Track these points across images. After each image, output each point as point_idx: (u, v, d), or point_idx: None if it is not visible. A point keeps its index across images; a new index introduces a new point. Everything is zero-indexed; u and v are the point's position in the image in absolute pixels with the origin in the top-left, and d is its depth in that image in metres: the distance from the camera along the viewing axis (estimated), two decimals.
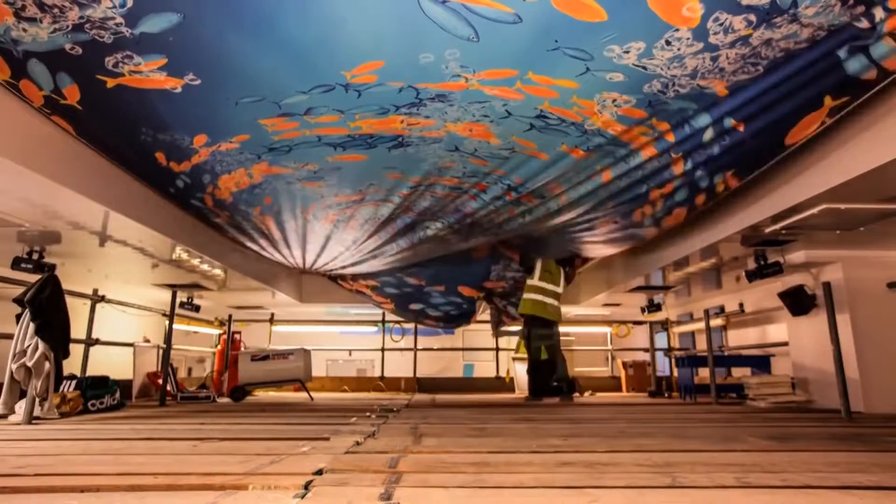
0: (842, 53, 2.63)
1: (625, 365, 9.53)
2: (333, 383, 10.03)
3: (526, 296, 6.95)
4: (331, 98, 3.18)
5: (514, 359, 9.69)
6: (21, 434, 3.26)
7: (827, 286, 4.72)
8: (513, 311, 8.55)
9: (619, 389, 9.53)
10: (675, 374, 8.81)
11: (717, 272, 6.58)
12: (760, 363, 6.68)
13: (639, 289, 7.73)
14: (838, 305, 4.76)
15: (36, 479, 1.80)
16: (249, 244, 5.94)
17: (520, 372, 9.13)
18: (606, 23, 2.47)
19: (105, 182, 3.88)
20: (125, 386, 6.70)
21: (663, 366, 9.81)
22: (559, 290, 6.96)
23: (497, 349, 10.40)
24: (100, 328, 6.48)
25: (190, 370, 9.43)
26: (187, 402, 6.80)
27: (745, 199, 4.39)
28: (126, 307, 7.16)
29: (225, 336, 8.64)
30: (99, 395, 5.27)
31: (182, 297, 7.57)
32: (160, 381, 6.65)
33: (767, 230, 4.53)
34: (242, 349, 8.85)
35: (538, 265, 6.90)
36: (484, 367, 11.93)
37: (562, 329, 7.42)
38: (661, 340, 9.77)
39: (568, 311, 9.38)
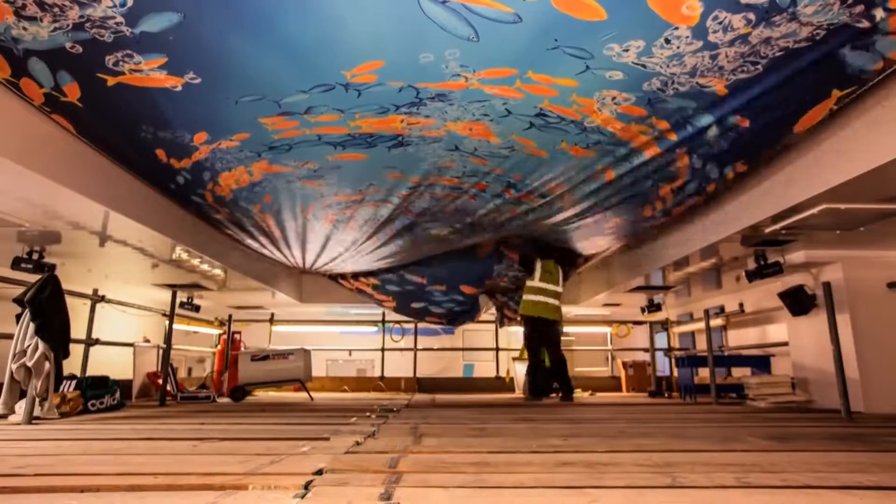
0: (845, 51, 2.63)
1: (625, 365, 9.53)
2: (333, 383, 10.03)
3: (526, 297, 6.95)
4: (331, 97, 3.18)
5: (514, 359, 9.69)
6: (21, 434, 3.26)
7: (827, 286, 4.71)
8: (514, 307, 8.55)
9: (619, 389, 9.53)
10: (675, 374, 8.81)
11: (717, 272, 6.57)
12: (760, 363, 6.68)
13: (639, 289, 7.73)
14: (838, 305, 4.76)
15: (36, 479, 1.80)
16: (249, 241, 5.94)
17: (520, 372, 9.12)
18: (606, 21, 2.47)
19: (105, 182, 3.88)
20: (125, 386, 6.70)
21: (663, 366, 9.81)
22: (559, 289, 6.96)
23: (497, 349, 10.40)
24: (100, 328, 6.48)
25: (190, 370, 9.43)
26: (187, 402, 6.80)
27: (745, 199, 4.39)
28: (126, 307, 7.16)
29: (225, 336, 8.64)
30: (99, 395, 5.27)
31: (182, 297, 7.57)
32: (160, 381, 6.65)
33: (767, 230, 4.53)
34: (242, 349, 8.85)
35: (538, 266, 6.90)
36: (484, 367, 11.94)
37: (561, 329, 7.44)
38: (661, 340, 9.77)
39: (568, 311, 9.38)
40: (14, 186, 3.47)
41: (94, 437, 3.09)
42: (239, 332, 9.12)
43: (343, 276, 8.22)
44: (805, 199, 3.74)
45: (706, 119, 3.33)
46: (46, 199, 3.73)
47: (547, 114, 3.40)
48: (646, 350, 9.29)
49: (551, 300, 6.87)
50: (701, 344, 8.04)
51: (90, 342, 6.31)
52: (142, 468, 1.98)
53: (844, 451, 2.51)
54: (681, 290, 7.96)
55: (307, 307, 9.39)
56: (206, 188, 4.41)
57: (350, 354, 12.41)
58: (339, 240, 6.03)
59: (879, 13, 2.38)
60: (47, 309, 4.14)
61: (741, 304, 7.46)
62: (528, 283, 6.97)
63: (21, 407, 4.00)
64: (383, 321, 10.29)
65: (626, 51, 2.69)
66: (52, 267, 4.93)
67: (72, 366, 5.69)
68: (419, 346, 10.31)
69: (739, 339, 7.68)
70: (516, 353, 9.99)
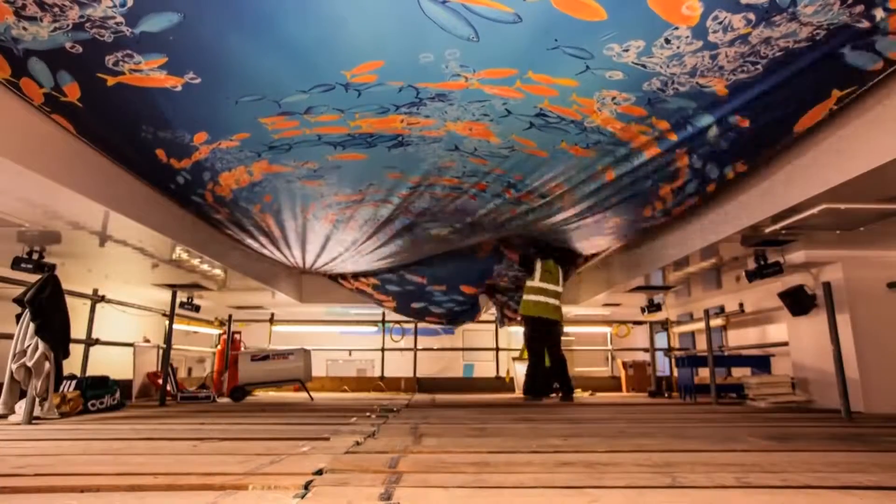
0: (845, 51, 2.63)
1: (625, 365, 9.53)
2: (333, 383, 10.03)
3: (526, 297, 6.96)
4: (331, 97, 3.18)
5: (514, 359, 9.69)
6: (21, 434, 3.26)
7: (827, 286, 4.71)
8: (514, 306, 8.55)
9: (619, 389, 9.53)
10: (675, 374, 8.81)
11: (717, 272, 6.57)
12: (760, 363, 6.68)
13: (639, 289, 7.72)
14: (838, 305, 4.76)
15: (36, 479, 1.80)
16: (249, 241, 5.94)
17: (520, 372, 9.12)
18: (606, 21, 2.47)
19: (105, 181, 3.88)
20: (125, 386, 6.70)
21: (663, 366, 9.80)
22: (560, 289, 6.96)
23: (497, 349, 10.41)
24: (100, 328, 6.48)
25: (190, 370, 9.43)
26: (187, 402, 6.80)
27: (745, 199, 4.39)
28: (126, 307, 7.16)
29: (225, 336, 8.64)
30: (99, 395, 5.27)
31: (182, 297, 7.57)
32: (160, 381, 6.65)
33: (767, 230, 4.53)
34: (242, 349, 8.85)
35: (538, 266, 6.90)
36: (484, 367, 11.93)
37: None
38: (661, 340, 9.76)
39: (568, 311, 9.38)
40: (14, 186, 3.47)
41: (94, 437, 3.09)
42: (239, 332, 9.12)
43: (343, 276, 8.22)
44: (805, 199, 3.74)
45: (706, 119, 3.33)
46: (46, 199, 3.73)
47: (547, 114, 3.40)
48: (646, 350, 9.29)
49: (552, 300, 6.87)
50: (701, 344, 8.04)
51: (90, 342, 6.31)
52: (142, 468, 1.98)
53: (844, 451, 2.51)
54: (681, 290, 7.96)
55: (307, 307, 9.39)
56: (206, 188, 4.41)
57: (350, 354, 12.41)
58: (339, 240, 6.03)
59: (879, 13, 2.38)
60: (47, 309, 4.14)
61: (741, 304, 7.46)
62: (529, 283, 6.97)
63: (21, 407, 4.00)
64: (383, 321, 10.29)
65: (626, 51, 2.69)
66: (52, 267, 4.93)
67: (72, 366, 5.69)
68: (419, 346, 10.30)
69: (739, 339, 7.68)
70: (516, 353, 9.99)
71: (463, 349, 12.63)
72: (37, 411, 4.06)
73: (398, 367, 10.34)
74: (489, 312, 9.50)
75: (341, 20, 2.53)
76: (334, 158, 4.07)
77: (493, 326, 10.36)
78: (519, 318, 7.74)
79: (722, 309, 7.93)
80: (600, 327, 11.26)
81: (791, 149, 3.73)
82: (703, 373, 7.16)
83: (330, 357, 12.75)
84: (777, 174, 3.97)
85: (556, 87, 3.08)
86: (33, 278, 4.44)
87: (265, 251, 6.40)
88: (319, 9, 2.46)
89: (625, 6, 2.39)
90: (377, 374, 10.49)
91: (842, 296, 5.09)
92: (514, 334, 11.14)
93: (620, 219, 5.38)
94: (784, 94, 3.00)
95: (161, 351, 7.39)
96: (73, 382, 5.19)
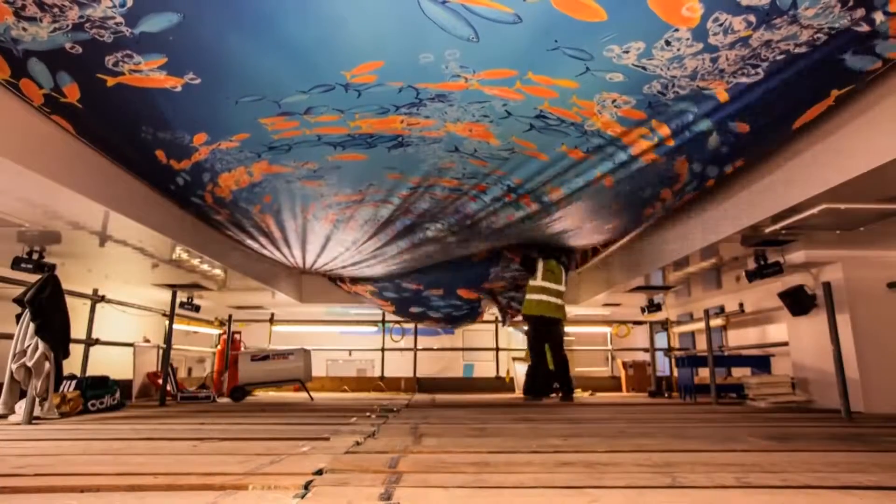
0: (846, 56, 2.63)
1: (625, 365, 9.53)
2: (333, 383, 10.03)
3: (529, 296, 6.97)
4: (331, 98, 3.18)
5: (514, 359, 9.69)
6: (21, 434, 3.26)
7: (827, 286, 4.72)
8: (517, 306, 8.56)
9: (619, 389, 9.54)
10: (675, 374, 8.81)
11: (717, 272, 6.57)
12: (760, 363, 6.68)
13: (639, 289, 7.72)
14: (838, 305, 4.76)
15: (36, 479, 1.80)
16: (249, 242, 5.95)
17: (520, 372, 9.13)
18: (606, 23, 2.47)
19: (105, 182, 3.88)
20: (125, 386, 6.70)
21: (663, 366, 9.80)
22: (562, 288, 6.97)
23: (497, 349, 10.41)
24: (100, 328, 6.48)
25: (190, 370, 9.43)
26: (187, 402, 6.81)
27: (745, 199, 4.39)
28: (126, 307, 7.16)
29: (225, 336, 8.64)
30: (99, 395, 5.27)
31: (182, 297, 7.57)
32: (160, 381, 6.65)
33: (767, 230, 4.53)
34: (242, 349, 8.85)
35: (540, 265, 6.91)
36: (484, 367, 11.93)
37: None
38: (661, 340, 9.76)
39: (568, 310, 9.38)
40: (14, 186, 3.47)
41: (94, 437, 3.09)
42: (239, 332, 9.12)
43: (342, 279, 8.23)
44: (805, 199, 3.74)
45: (707, 124, 3.32)
46: (46, 199, 3.73)
47: (547, 116, 3.40)
48: (646, 350, 9.30)
49: (554, 299, 6.89)
50: (701, 344, 8.04)
51: (90, 342, 6.31)
52: (142, 468, 1.98)
53: (844, 451, 2.51)
54: (681, 290, 7.96)
55: (307, 307, 9.39)
56: (206, 189, 4.40)
57: (350, 354, 12.41)
58: (340, 240, 6.03)
59: (879, 16, 2.38)
60: (47, 309, 4.15)
61: (741, 304, 7.46)
62: (531, 282, 6.98)
63: (21, 407, 4.01)
64: (383, 321, 10.29)
65: (627, 52, 2.69)
66: (52, 267, 4.93)
67: (72, 366, 5.69)
68: (419, 346, 10.31)
69: (739, 339, 7.68)
70: (516, 353, 10.00)
71: (463, 349, 12.63)
72: (37, 411, 4.06)
73: (398, 367, 10.35)
74: (490, 312, 9.51)
75: (341, 20, 2.53)
76: (334, 159, 4.07)
77: (493, 326, 10.37)
78: (521, 318, 7.74)
79: (722, 309, 7.93)
80: (600, 327, 11.26)
81: (791, 148, 3.73)
82: (703, 373, 7.17)
83: (330, 357, 12.76)
84: (777, 174, 3.97)
85: (556, 88, 3.07)
86: (33, 278, 4.44)
87: (265, 251, 6.40)
88: (319, 9, 2.46)
89: (625, 7, 2.39)
90: (377, 374, 10.50)
91: (842, 296, 5.09)
92: (514, 334, 11.14)
93: (620, 220, 5.40)
94: (784, 97, 3.01)
95: (161, 351, 7.39)
96: (73, 382, 5.19)
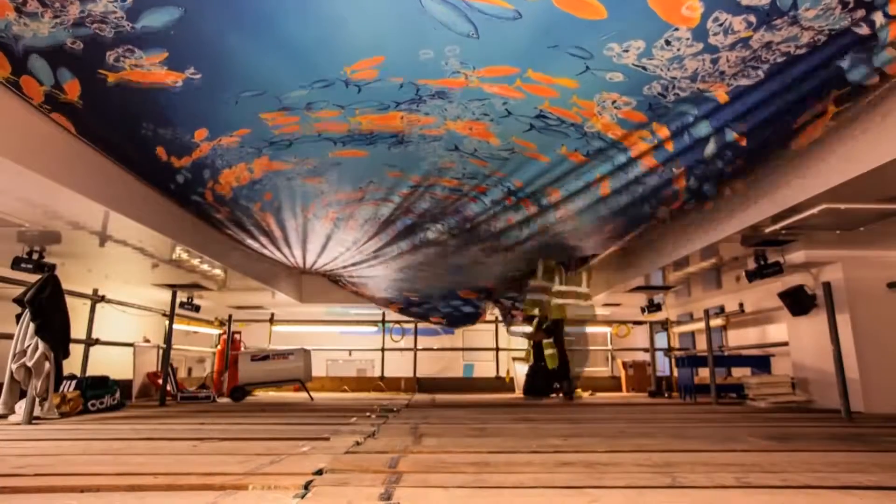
0: (844, 64, 2.63)
1: (625, 365, 9.53)
2: (333, 383, 10.03)
3: (529, 296, 7.01)
4: (331, 93, 3.18)
5: (514, 359, 9.69)
6: (21, 434, 3.26)
7: (827, 286, 4.71)
8: (520, 307, 8.61)
9: (619, 389, 9.53)
10: (675, 374, 8.81)
11: (717, 272, 6.57)
12: (760, 363, 6.68)
13: (639, 289, 7.72)
14: (838, 305, 4.75)
15: (36, 479, 1.80)
16: (250, 241, 5.95)
17: (520, 372, 9.13)
18: (606, 20, 2.47)
19: (105, 182, 3.88)
20: (125, 386, 6.70)
21: (663, 366, 9.80)
22: (562, 287, 6.99)
23: (497, 349, 10.40)
24: (100, 328, 6.48)
25: (190, 370, 9.43)
26: (187, 402, 6.80)
27: (745, 199, 4.39)
28: (126, 307, 7.16)
29: (225, 336, 8.64)
30: (99, 395, 5.27)
31: (182, 297, 7.57)
32: (160, 381, 6.65)
33: (767, 230, 4.53)
34: (242, 349, 8.85)
35: (539, 266, 6.95)
36: (484, 367, 11.93)
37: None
38: (661, 340, 9.76)
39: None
40: (14, 186, 3.47)
41: (94, 437, 3.09)
42: (239, 332, 9.12)
43: (344, 281, 8.27)
44: (805, 199, 3.74)
45: (706, 130, 3.32)
46: (46, 199, 3.73)
47: (547, 115, 3.40)
48: (646, 350, 9.29)
49: (558, 299, 6.93)
50: (701, 344, 8.04)
51: (90, 342, 6.31)
52: (142, 468, 1.98)
53: (844, 451, 2.51)
54: (681, 290, 7.96)
55: (307, 307, 9.39)
56: (207, 186, 4.40)
57: (350, 354, 12.40)
58: (340, 239, 6.03)
59: (879, 18, 2.38)
60: (47, 309, 4.14)
61: (741, 304, 7.46)
62: (531, 282, 7.03)
63: (21, 407, 4.00)
64: (383, 321, 10.29)
65: (627, 51, 2.69)
66: (52, 267, 4.93)
67: (72, 366, 5.69)
68: (419, 346, 10.31)
69: (739, 339, 7.68)
70: (516, 354, 9.99)
71: (463, 349, 12.62)
72: (37, 411, 4.06)
73: (398, 367, 10.34)
74: (491, 312, 9.52)
75: (342, 15, 2.53)
76: (335, 155, 4.06)
77: (493, 326, 10.36)
78: (523, 318, 7.78)
79: (722, 309, 7.93)
80: (600, 327, 11.25)
81: (791, 149, 3.73)
82: (703, 373, 7.16)
83: (330, 357, 12.75)
84: (777, 174, 3.98)
85: (557, 87, 3.07)
86: (33, 278, 4.44)
87: (265, 251, 6.41)
88: (320, 4, 2.46)
89: (625, 5, 2.39)
90: (377, 374, 10.50)
91: (842, 296, 5.09)
92: (514, 334, 11.15)
93: (618, 236, 5.45)
94: (784, 106, 3.00)
95: (161, 351, 7.39)
96: (73, 382, 5.19)
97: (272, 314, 10.26)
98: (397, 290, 8.16)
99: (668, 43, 2.60)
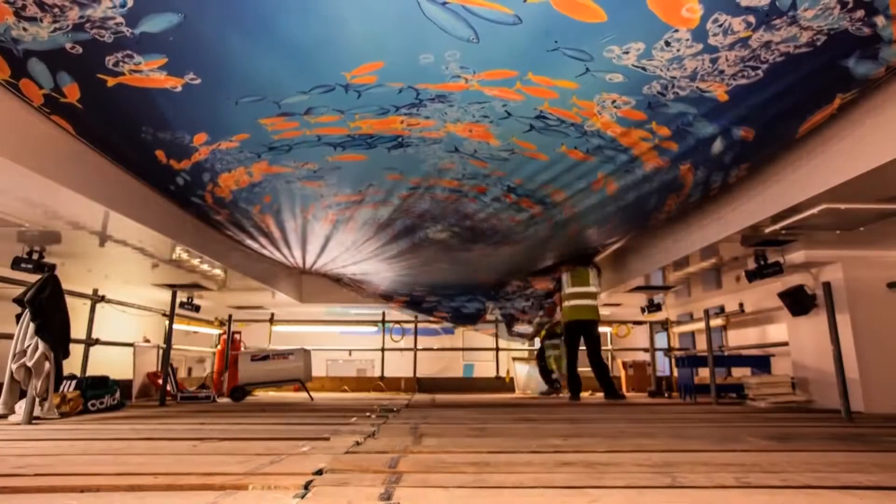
0: (849, 62, 2.63)
1: (625, 365, 9.53)
2: (333, 383, 10.03)
3: (564, 304, 7.17)
4: (331, 98, 3.18)
5: (514, 359, 9.70)
6: (21, 434, 3.26)
7: (827, 286, 4.71)
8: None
9: (619, 389, 9.52)
10: (675, 374, 8.81)
11: (717, 272, 6.58)
12: (760, 363, 6.68)
13: (639, 289, 7.73)
14: (838, 305, 4.75)
15: (36, 479, 1.80)
16: (249, 242, 5.95)
17: (520, 372, 9.14)
18: (606, 23, 2.47)
19: (105, 182, 3.89)
20: (125, 386, 6.70)
21: (663, 366, 9.80)
22: (592, 289, 7.09)
23: (497, 349, 10.40)
24: (100, 328, 6.48)
25: (190, 370, 9.44)
26: (187, 402, 6.80)
27: (746, 199, 4.40)
28: (126, 307, 7.16)
29: (225, 336, 8.64)
30: (99, 395, 5.27)
31: (182, 297, 7.57)
32: (160, 381, 6.65)
33: (767, 230, 4.53)
34: (242, 349, 8.85)
35: (565, 277, 7.07)
36: (484, 367, 11.93)
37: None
38: (661, 340, 9.76)
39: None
40: (14, 186, 3.47)
41: (94, 437, 3.09)
42: (239, 332, 9.12)
43: (346, 280, 8.29)
44: (805, 199, 3.74)
45: (708, 128, 3.32)
46: (46, 199, 3.73)
47: (547, 116, 3.40)
48: (646, 350, 9.29)
49: (584, 301, 7.05)
50: (701, 344, 8.04)
51: (90, 342, 6.31)
52: (142, 468, 1.98)
53: (844, 451, 2.51)
54: (681, 290, 7.96)
55: (307, 307, 9.39)
56: (206, 189, 4.41)
57: (350, 354, 12.41)
58: (340, 241, 6.03)
59: (881, 20, 2.38)
60: (47, 309, 4.14)
61: (741, 304, 7.46)
62: (564, 292, 7.17)
63: (21, 407, 4.00)
64: (383, 321, 10.29)
65: (626, 53, 2.69)
66: (52, 267, 4.93)
67: (72, 366, 5.69)
68: (419, 346, 10.31)
69: (739, 339, 7.68)
70: (517, 354, 10.00)
71: (463, 349, 12.63)
72: (37, 411, 4.06)
73: (398, 367, 10.35)
74: (492, 312, 9.53)
75: (342, 21, 2.53)
76: (334, 159, 4.07)
77: (492, 327, 10.36)
78: (560, 330, 7.86)
79: (722, 309, 7.93)
80: (600, 327, 11.24)
81: (792, 149, 3.74)
82: (703, 373, 7.16)
83: (330, 357, 12.75)
84: (777, 174, 3.98)
85: (556, 89, 3.07)
86: (33, 278, 4.44)
87: (265, 252, 6.41)
88: (319, 10, 2.46)
89: (625, 8, 2.39)
90: (377, 374, 10.50)
91: (842, 296, 5.09)
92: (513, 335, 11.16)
93: (626, 228, 5.44)
94: (786, 101, 3.00)
95: (161, 351, 7.39)
96: (73, 382, 5.19)
97: (272, 314, 10.27)
98: (400, 285, 8.18)
99: (667, 44, 2.60)
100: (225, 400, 7.33)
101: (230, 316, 8.81)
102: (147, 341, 7.70)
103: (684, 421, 4.05)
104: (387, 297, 8.93)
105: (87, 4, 2.40)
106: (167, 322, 7.03)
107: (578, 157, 3.90)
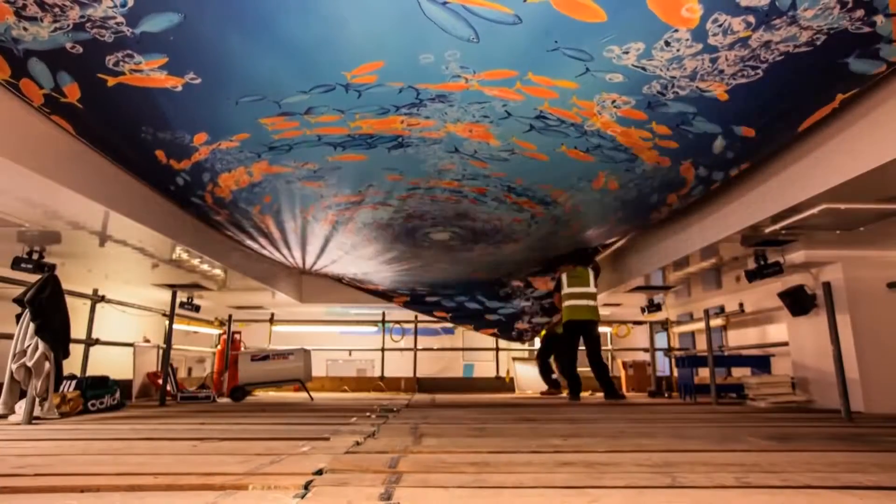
0: (850, 60, 2.63)
1: (625, 365, 9.53)
2: (333, 383, 10.03)
3: (563, 305, 7.12)
4: (331, 98, 3.18)
5: (514, 359, 9.70)
6: (21, 434, 3.26)
7: (827, 286, 4.71)
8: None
9: (619, 389, 9.52)
10: (675, 374, 8.81)
11: (717, 272, 6.57)
12: (760, 363, 6.68)
13: (639, 289, 7.72)
14: (838, 305, 4.75)
15: (36, 479, 1.80)
16: (249, 242, 5.95)
17: (520, 372, 9.14)
18: (606, 23, 2.47)
19: (105, 182, 3.89)
20: (125, 386, 6.70)
21: (663, 366, 9.80)
22: (591, 289, 7.04)
23: (497, 349, 10.40)
24: (100, 328, 6.48)
25: (190, 370, 9.44)
26: (187, 402, 6.80)
27: (746, 199, 4.40)
28: (126, 307, 7.16)
29: (225, 336, 8.64)
30: (99, 395, 5.27)
31: (182, 297, 7.57)
32: (160, 381, 6.65)
33: (767, 230, 4.53)
34: (242, 349, 8.85)
35: (563, 278, 7.04)
36: (484, 367, 11.93)
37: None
38: (661, 340, 9.76)
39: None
40: (14, 186, 3.47)
41: (94, 437, 3.09)
42: (239, 332, 9.12)
43: (345, 280, 8.29)
44: (805, 199, 3.74)
45: (707, 126, 3.32)
46: (46, 199, 3.73)
47: (547, 116, 3.40)
48: (646, 350, 9.29)
49: (583, 301, 7.00)
50: (701, 344, 8.04)
51: (90, 342, 6.31)
52: (142, 468, 1.98)
53: (844, 451, 2.51)
54: (681, 290, 7.96)
55: (307, 307, 9.39)
56: (206, 189, 4.41)
57: (350, 354, 12.41)
58: (340, 242, 6.03)
59: (880, 19, 2.38)
60: (47, 309, 4.14)
61: (741, 304, 7.46)
62: (562, 293, 7.11)
63: (21, 407, 4.01)
64: (383, 321, 10.29)
65: (626, 53, 2.69)
66: (52, 267, 4.93)
67: (72, 366, 5.70)
68: (419, 346, 10.31)
69: (739, 339, 7.68)
70: (516, 354, 9.99)
71: (463, 349, 12.63)
72: (37, 411, 4.06)
73: (398, 367, 10.34)
74: (493, 313, 9.53)
75: (342, 21, 2.53)
76: (334, 159, 4.07)
77: (493, 327, 10.36)
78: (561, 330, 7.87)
79: (722, 309, 7.93)
80: (600, 327, 11.24)
81: (792, 149, 3.74)
82: (703, 373, 7.16)
83: (330, 357, 12.75)
84: (777, 174, 3.98)
85: (556, 88, 3.07)
86: (33, 278, 4.44)
87: (265, 252, 6.41)
88: (320, 9, 2.46)
89: (625, 8, 2.39)
90: (377, 374, 10.50)
91: (842, 296, 5.09)
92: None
93: (627, 225, 5.43)
94: (787, 99, 3.00)
95: (161, 351, 7.39)
96: (73, 382, 5.19)
97: (272, 314, 10.27)
98: (401, 284, 8.18)
99: (667, 44, 2.60)
100: (225, 400, 7.33)
101: (230, 316, 8.81)
102: (147, 341, 7.70)
103: (684, 421, 4.05)
104: (387, 297, 8.92)
105: (87, 4, 2.40)
106: (167, 322, 7.03)
107: (578, 156, 3.90)
